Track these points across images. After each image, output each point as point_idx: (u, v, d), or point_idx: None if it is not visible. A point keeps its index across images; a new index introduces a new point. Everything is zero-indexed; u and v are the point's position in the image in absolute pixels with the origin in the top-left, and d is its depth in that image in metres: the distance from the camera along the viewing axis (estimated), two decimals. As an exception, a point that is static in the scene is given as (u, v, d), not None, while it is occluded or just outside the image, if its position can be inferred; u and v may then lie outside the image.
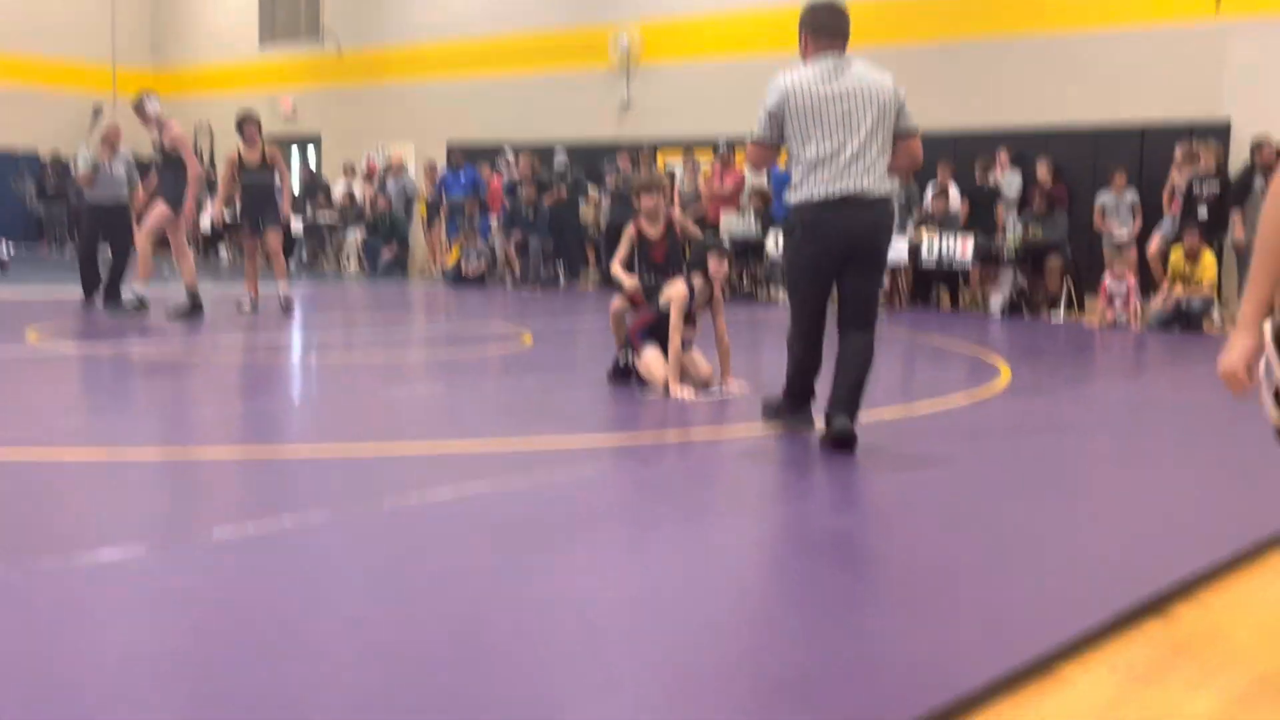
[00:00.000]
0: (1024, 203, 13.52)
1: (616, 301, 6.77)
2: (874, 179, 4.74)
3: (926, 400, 6.39)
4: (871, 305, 4.92)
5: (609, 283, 15.29)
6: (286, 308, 10.51)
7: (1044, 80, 14.03)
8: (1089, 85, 13.81)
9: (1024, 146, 13.96)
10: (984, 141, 14.24)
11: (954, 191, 13.68)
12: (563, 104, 18.37)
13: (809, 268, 4.83)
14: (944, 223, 13.14)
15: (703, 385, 6.46)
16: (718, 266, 6.44)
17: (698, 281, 6.46)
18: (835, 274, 4.84)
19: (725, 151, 15.08)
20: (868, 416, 5.68)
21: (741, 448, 4.94)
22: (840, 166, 4.69)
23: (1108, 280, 11.70)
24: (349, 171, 19.90)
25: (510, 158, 16.93)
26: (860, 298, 4.89)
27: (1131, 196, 12.71)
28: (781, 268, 4.81)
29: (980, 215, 13.56)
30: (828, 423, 4.80)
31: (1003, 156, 13.76)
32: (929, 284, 13.53)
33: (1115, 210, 12.85)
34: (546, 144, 17.47)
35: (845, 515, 3.83)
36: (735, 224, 14.37)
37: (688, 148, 16.19)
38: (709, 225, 14.88)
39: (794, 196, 4.81)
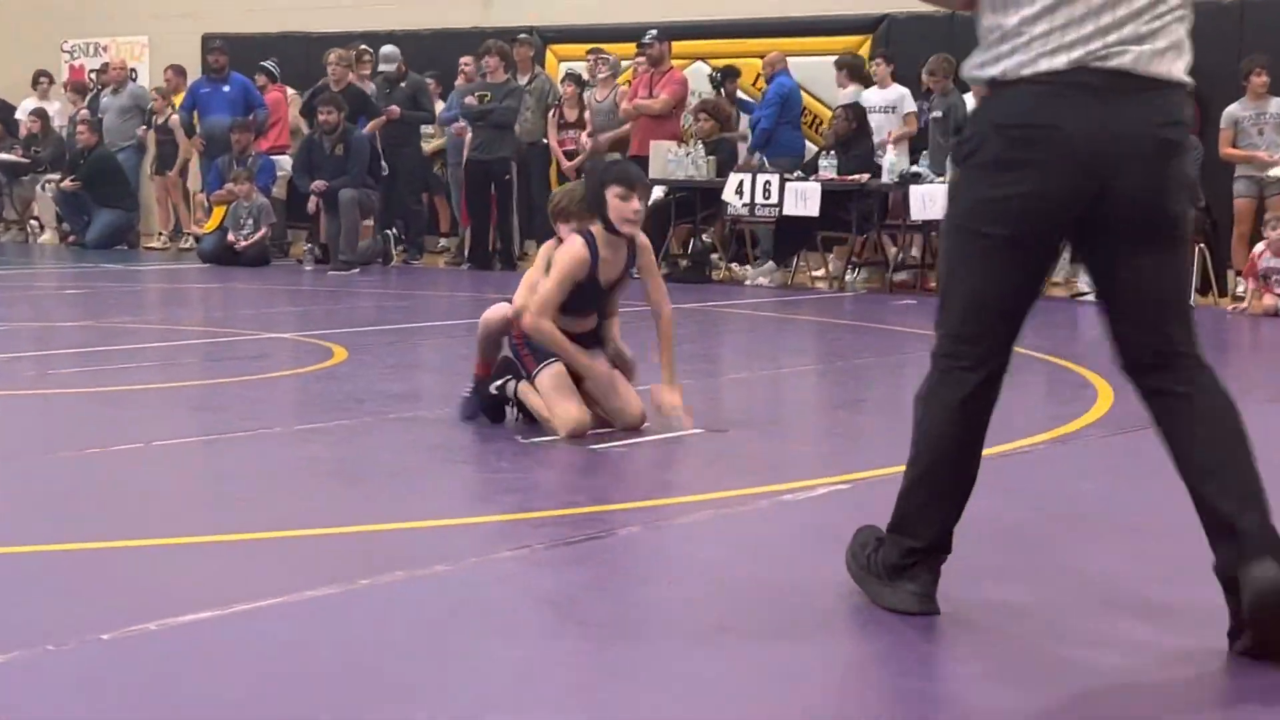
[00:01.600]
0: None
1: (495, 312, 6.65)
2: (1162, 43, 3.61)
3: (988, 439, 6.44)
4: (1182, 312, 3.77)
5: (477, 262, 15.26)
6: None
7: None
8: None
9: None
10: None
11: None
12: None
13: (998, 229, 3.70)
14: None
15: (628, 426, 6.39)
16: (622, 206, 6.24)
17: (599, 233, 6.36)
18: (1056, 246, 3.80)
19: (656, 46, 15.14)
20: (872, 472, 5.70)
21: (690, 527, 4.92)
22: (1089, 8, 3.58)
23: (1259, 247, 11.94)
24: (41, 83, 19.60)
25: (271, 66, 16.90)
26: (1152, 298, 3.73)
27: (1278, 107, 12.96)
28: (940, 236, 4.02)
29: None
30: (1233, 569, 3.57)
31: None
32: (983, 253, 13.70)
33: (1254, 128, 13.08)
34: (365, 35, 17.34)
35: (844, 641, 3.83)
36: (674, 160, 14.43)
37: (594, 42, 16.21)
38: (633, 159, 14.90)
39: (985, 69, 3.71)
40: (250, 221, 15.50)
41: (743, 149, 15.03)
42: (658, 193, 14.36)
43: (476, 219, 15.48)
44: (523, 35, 16.13)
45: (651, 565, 4.58)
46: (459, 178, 15.83)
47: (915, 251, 14.11)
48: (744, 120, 15.38)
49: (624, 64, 15.73)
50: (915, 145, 14.34)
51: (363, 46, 16.56)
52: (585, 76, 15.86)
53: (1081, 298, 12.86)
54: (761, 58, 15.32)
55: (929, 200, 13.00)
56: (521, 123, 15.50)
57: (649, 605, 4.11)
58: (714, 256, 14.70)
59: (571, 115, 15.60)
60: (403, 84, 16.29)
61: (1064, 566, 4.51)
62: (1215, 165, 13.10)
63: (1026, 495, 5.58)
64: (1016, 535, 4.91)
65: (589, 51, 15.98)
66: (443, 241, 17.05)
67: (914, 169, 13.42)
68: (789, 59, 15.22)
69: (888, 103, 14.55)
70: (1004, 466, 6.02)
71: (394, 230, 16.12)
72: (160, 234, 18.16)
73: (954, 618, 3.94)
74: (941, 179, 13.22)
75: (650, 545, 4.76)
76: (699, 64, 15.73)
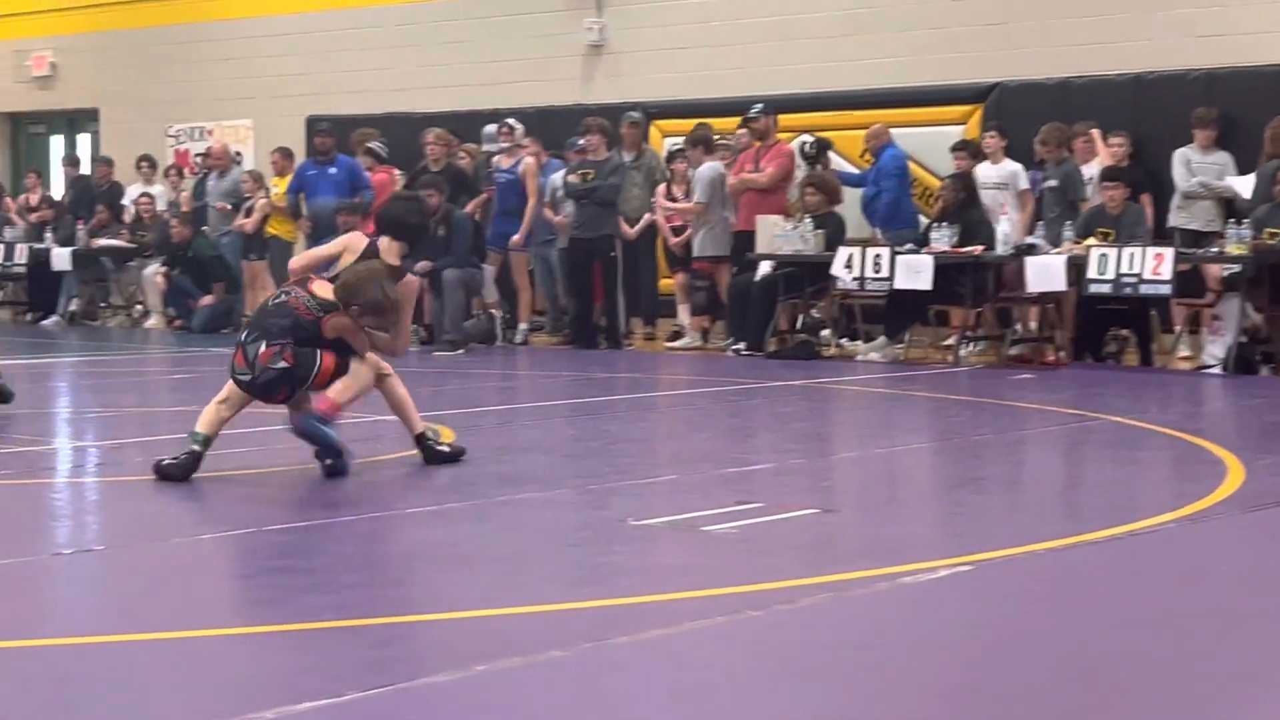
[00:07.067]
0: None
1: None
2: None
3: (1106, 520, 6.38)
4: None
5: (581, 340, 15.27)
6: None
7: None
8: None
9: (1236, 92, 14.10)
10: (1171, 86, 14.38)
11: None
12: (495, 49, 18.49)
13: None
14: (1123, 225, 13.23)
15: None
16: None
17: None
18: None
19: (762, 119, 15.18)
20: (995, 553, 5.64)
21: (808, 611, 4.88)
22: None
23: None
24: (146, 167, 19.98)
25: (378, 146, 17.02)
26: None
27: None
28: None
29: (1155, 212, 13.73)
30: None
31: (1203, 131, 13.86)
32: (1102, 325, 13.55)
33: None
34: (468, 115, 17.55)
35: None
36: (781, 234, 14.43)
37: (699, 117, 16.27)
38: (736, 234, 14.94)
39: None
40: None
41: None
42: (765, 268, 14.38)
43: (579, 297, 15.56)
44: (632, 114, 16.21)
45: (771, 652, 4.55)
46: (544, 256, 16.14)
47: (1032, 324, 13.99)
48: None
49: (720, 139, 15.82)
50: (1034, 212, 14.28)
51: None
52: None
53: (1206, 370, 12.70)
54: (865, 129, 15.33)
55: (1045, 271, 12.91)
56: (630, 200, 15.57)
57: (772, 695, 4.09)
58: (823, 332, 14.65)
59: (680, 191, 15.66)
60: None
61: (1199, 653, 4.44)
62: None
63: (1156, 577, 5.50)
64: (1146, 620, 4.84)
65: (699, 127, 16.02)
66: (536, 318, 17.03)
67: (1029, 240, 13.34)
68: (899, 130, 15.21)
69: (1000, 179, 14.41)
70: (1132, 546, 5.94)
71: (501, 310, 16.21)
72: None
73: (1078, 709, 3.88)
74: (1057, 250, 13.13)
75: (768, 630, 4.74)
76: (804, 137, 15.72)
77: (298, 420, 7.35)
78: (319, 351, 7.28)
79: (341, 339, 7.36)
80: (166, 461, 7.20)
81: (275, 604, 5.07)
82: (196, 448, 7.26)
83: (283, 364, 7.22)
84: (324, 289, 7.41)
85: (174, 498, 7.07)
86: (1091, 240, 13.03)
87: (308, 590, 5.34)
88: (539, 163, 16.37)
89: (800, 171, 15.19)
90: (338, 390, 7.31)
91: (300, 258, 8.43)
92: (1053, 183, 14.08)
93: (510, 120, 16.36)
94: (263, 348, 7.24)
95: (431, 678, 4.07)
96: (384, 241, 7.90)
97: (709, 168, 15.08)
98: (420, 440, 7.80)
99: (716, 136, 15.82)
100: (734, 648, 4.56)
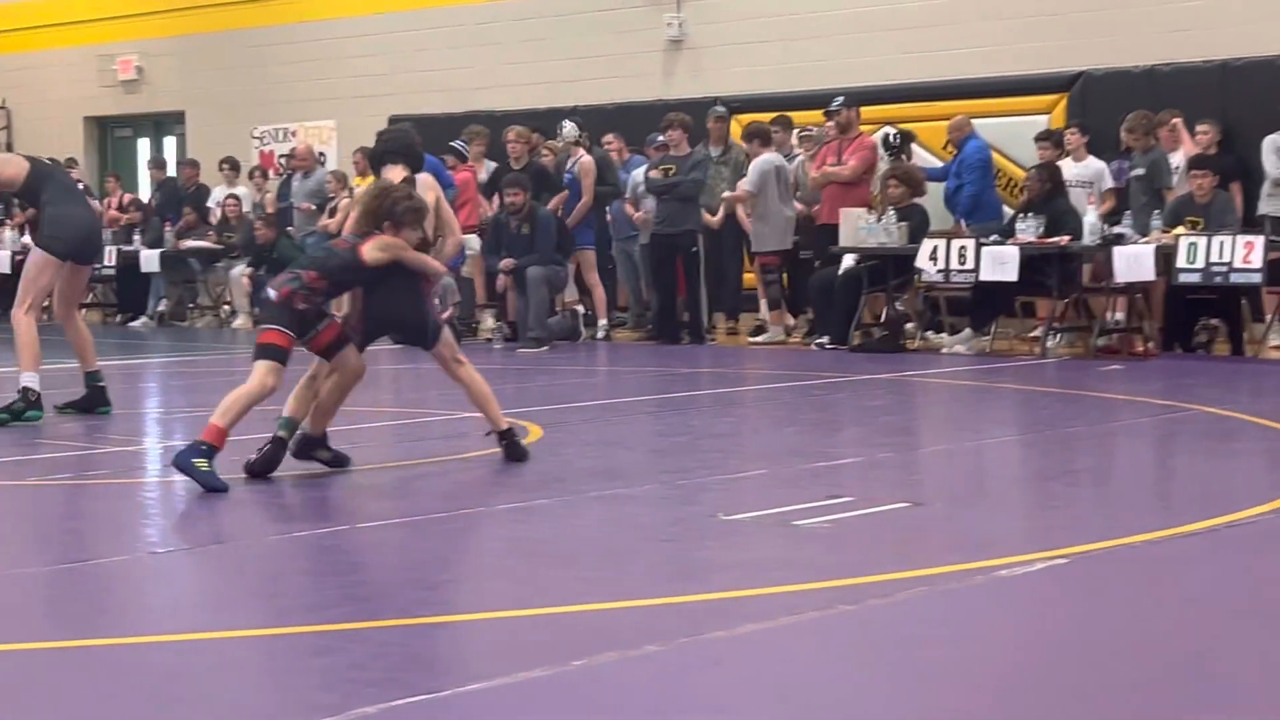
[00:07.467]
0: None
1: None
2: None
3: (1201, 512, 6.32)
4: None
5: (664, 335, 15.27)
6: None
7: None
8: None
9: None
10: (1259, 72, 14.21)
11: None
12: (575, 46, 18.54)
13: None
14: (1212, 213, 13.09)
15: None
16: None
17: None
18: None
19: (844, 112, 15.11)
20: (1091, 546, 5.60)
21: (907, 605, 4.87)
22: None
23: None
24: (228, 169, 20.18)
25: (461, 145, 17.00)
26: None
27: None
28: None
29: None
30: None
31: None
32: (1192, 314, 13.40)
33: None
34: (548, 112, 17.60)
35: None
36: (865, 227, 14.37)
37: (780, 110, 16.25)
38: (819, 228, 14.88)
39: None
40: (436, 301, 15.72)
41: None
42: (848, 261, 14.33)
43: (662, 293, 15.56)
44: (717, 109, 16.21)
45: (866, 646, 4.54)
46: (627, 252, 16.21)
47: (1120, 315, 13.87)
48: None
49: (807, 130, 15.79)
50: (1117, 204, 14.14)
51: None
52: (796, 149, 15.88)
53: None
54: (948, 120, 15.24)
55: (1134, 261, 12.79)
56: (717, 194, 15.55)
57: (869, 689, 4.08)
58: (908, 325, 14.58)
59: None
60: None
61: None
62: None
63: (1253, 569, 5.44)
64: (1244, 612, 4.79)
65: (779, 120, 15.98)
66: (617, 315, 17.06)
67: (1116, 230, 13.22)
68: (983, 120, 15.11)
69: (1083, 178, 14.26)
70: (1228, 538, 5.87)
71: (582, 307, 16.25)
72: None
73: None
74: (1145, 239, 13.01)
75: (863, 624, 4.72)
76: (886, 129, 15.65)
77: (175, 455, 7.14)
78: (325, 320, 7.43)
79: (382, 287, 7.64)
80: (254, 460, 7.30)
81: (371, 600, 5.12)
82: (281, 434, 7.40)
83: (272, 293, 7.29)
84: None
85: (264, 496, 7.15)
86: (1180, 229, 12.90)
87: (403, 586, 5.39)
88: (620, 159, 16.42)
89: (883, 163, 15.14)
90: (219, 412, 7.13)
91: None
92: (1139, 171, 13.95)
93: (565, 120, 16.38)
94: (283, 274, 7.40)
95: (529, 673, 4.08)
96: (385, 172, 8.09)
97: (765, 159, 15.08)
98: (505, 437, 7.82)
99: (799, 129, 15.79)
100: (829, 642, 4.55)
